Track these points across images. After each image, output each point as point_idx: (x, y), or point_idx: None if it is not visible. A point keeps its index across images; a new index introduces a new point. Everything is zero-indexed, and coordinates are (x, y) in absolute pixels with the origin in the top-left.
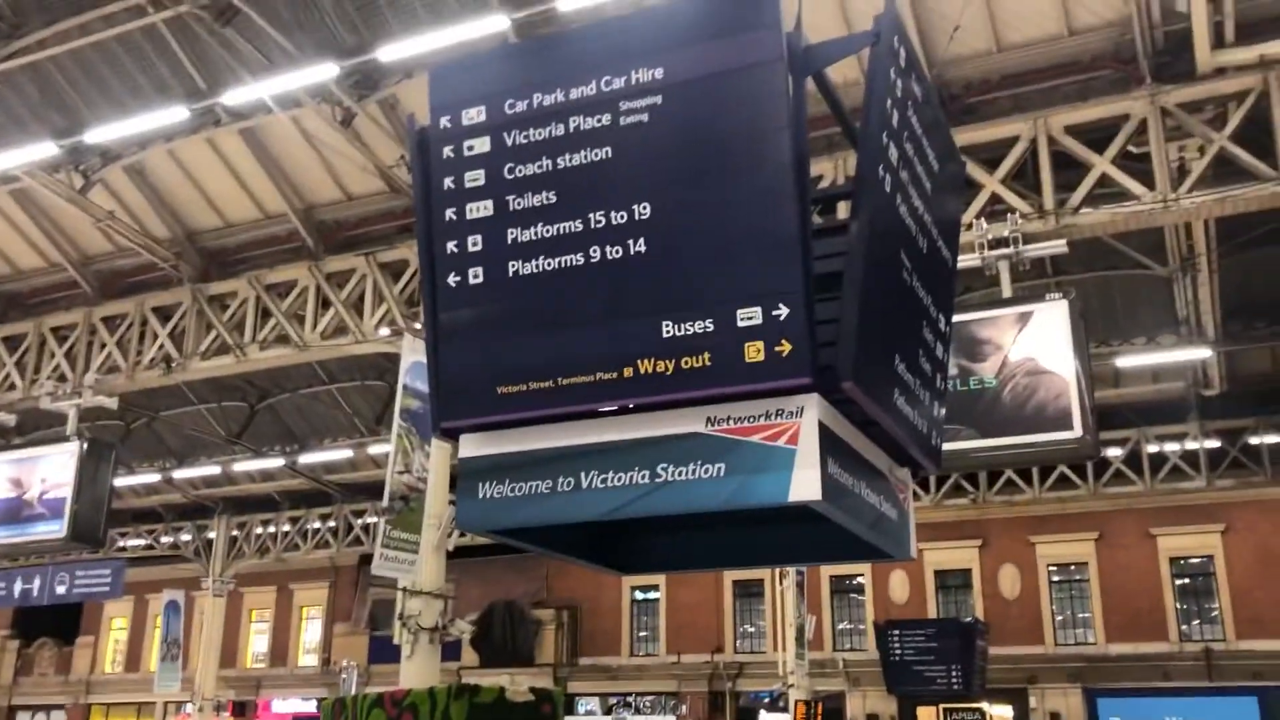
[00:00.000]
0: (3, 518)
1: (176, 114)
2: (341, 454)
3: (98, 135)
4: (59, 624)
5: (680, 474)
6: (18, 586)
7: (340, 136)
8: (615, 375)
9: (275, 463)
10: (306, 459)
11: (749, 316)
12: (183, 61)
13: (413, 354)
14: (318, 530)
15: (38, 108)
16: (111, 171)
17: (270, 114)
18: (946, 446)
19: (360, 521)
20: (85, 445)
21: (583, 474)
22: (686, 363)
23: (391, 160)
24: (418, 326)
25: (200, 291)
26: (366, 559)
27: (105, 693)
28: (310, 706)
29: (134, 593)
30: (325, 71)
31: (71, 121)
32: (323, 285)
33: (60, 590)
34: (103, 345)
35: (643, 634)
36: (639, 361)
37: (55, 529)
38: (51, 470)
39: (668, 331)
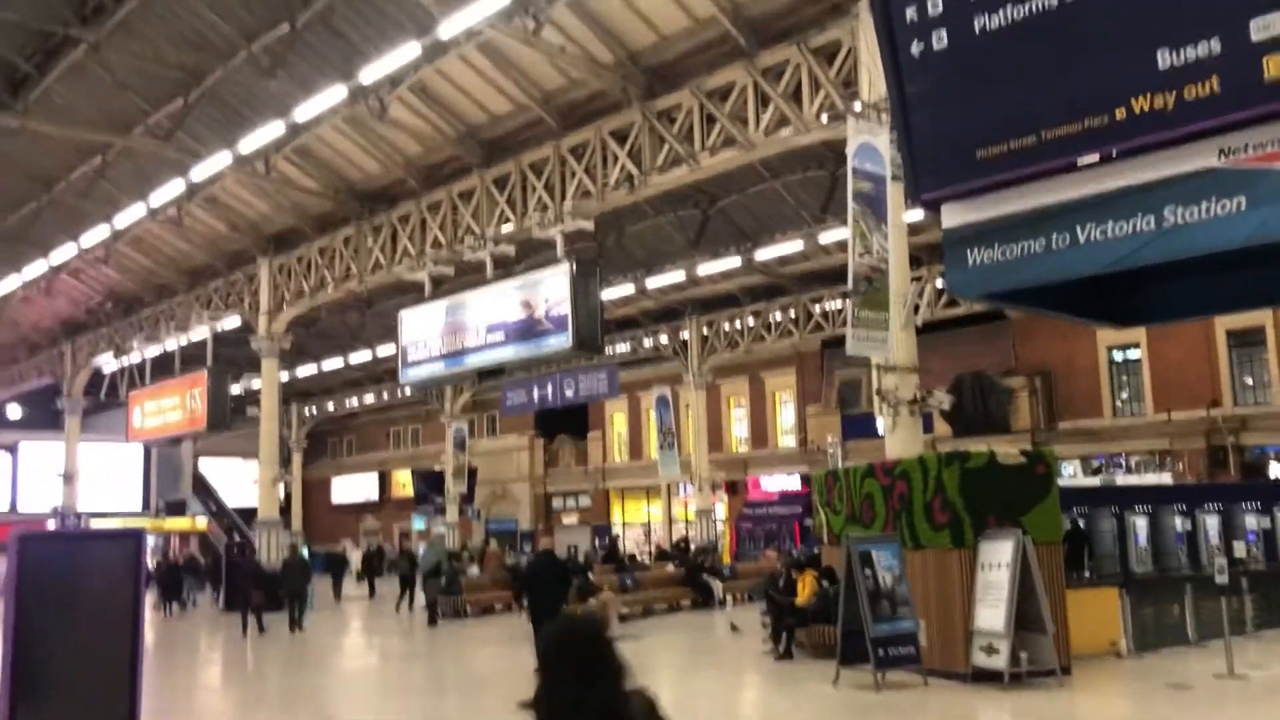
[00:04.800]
0: (521, 335)
1: None
2: (793, 246)
3: None
4: (571, 423)
5: (1192, 214)
6: (535, 392)
7: None
8: (1106, 119)
9: (733, 262)
10: (761, 255)
11: (1266, 26)
12: None
13: (858, 136)
14: (780, 321)
15: None
16: (556, 9)
17: None
18: None
19: (819, 308)
20: (574, 265)
21: (1079, 227)
22: (1190, 92)
23: None
24: (858, 108)
25: (648, 109)
26: (828, 343)
27: (617, 479)
28: (793, 482)
29: (626, 391)
30: None
31: None
32: (759, 81)
33: (569, 393)
34: (573, 174)
35: (1124, 394)
36: (1133, 99)
37: (563, 340)
38: (551, 290)
39: (1164, 61)
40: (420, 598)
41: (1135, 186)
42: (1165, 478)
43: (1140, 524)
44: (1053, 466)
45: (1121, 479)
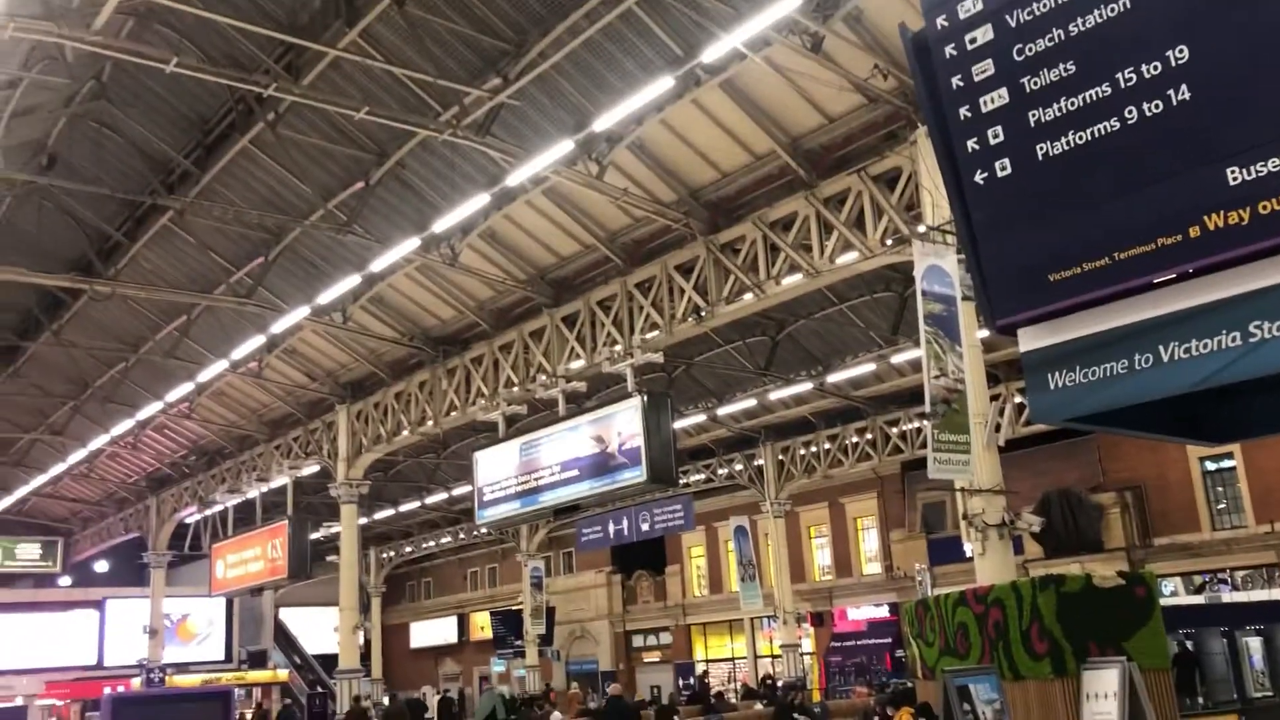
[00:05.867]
0: (595, 471)
1: (663, 84)
2: (865, 368)
3: (603, 123)
4: (649, 557)
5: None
6: (611, 528)
7: (811, 62)
8: (1179, 238)
9: (804, 387)
10: (833, 378)
11: None
12: (659, 35)
13: (925, 259)
14: (856, 444)
15: (550, 112)
16: (618, 153)
17: (744, 60)
18: None
19: (896, 430)
20: (645, 398)
21: (1161, 347)
22: (1265, 207)
23: (864, 72)
24: (922, 230)
25: (712, 243)
26: (908, 466)
27: (698, 614)
28: (881, 612)
29: (703, 522)
30: (790, 3)
31: (579, 117)
32: (821, 211)
33: (644, 527)
34: (641, 308)
35: (1221, 506)
36: (1205, 218)
37: (637, 474)
38: (623, 424)
39: (1235, 178)
40: None
41: (1217, 303)
42: (1276, 593)
43: (1254, 644)
44: (1153, 588)
45: (1228, 596)
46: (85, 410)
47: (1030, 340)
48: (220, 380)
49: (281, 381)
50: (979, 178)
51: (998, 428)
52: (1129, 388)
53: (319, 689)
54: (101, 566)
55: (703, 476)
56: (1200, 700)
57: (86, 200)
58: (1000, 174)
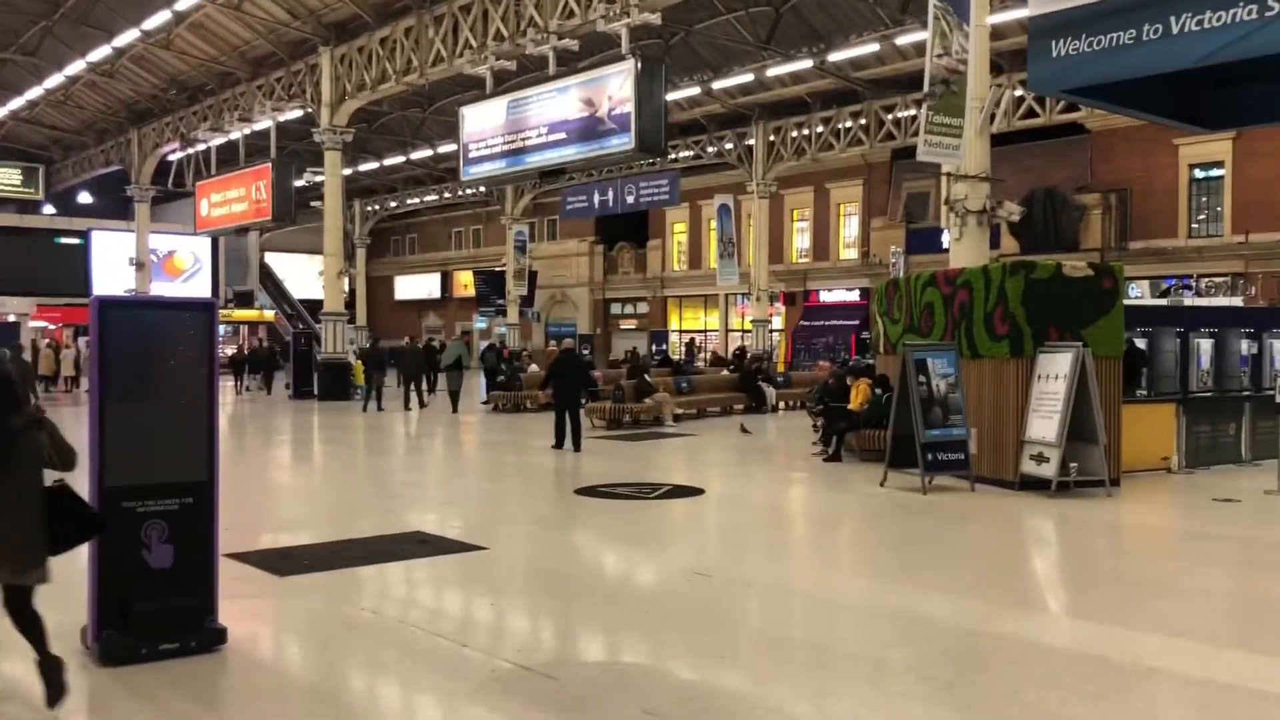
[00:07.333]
0: (583, 135)
1: None
2: (868, 49)
3: None
4: (631, 230)
5: None
6: (596, 197)
7: None
8: None
9: (804, 64)
10: (834, 57)
11: None
12: None
13: None
14: (849, 129)
15: None
16: None
17: None
18: None
19: (890, 116)
20: (639, 63)
21: (1173, 18)
22: None
23: None
24: None
25: None
26: (899, 154)
27: (675, 287)
28: (852, 296)
29: (688, 199)
30: None
31: None
32: None
33: (629, 199)
34: None
35: (1202, 216)
36: None
37: (625, 142)
38: (614, 88)
39: None
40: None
41: None
42: (1236, 301)
43: (1204, 346)
44: (1120, 280)
45: (1190, 301)
46: (58, 32)
47: (1040, 3)
48: (199, 11)
49: (262, 17)
50: None
51: (993, 117)
52: (1133, 59)
53: (304, 332)
54: (85, 199)
55: (691, 153)
56: (1144, 391)
57: None
58: None
